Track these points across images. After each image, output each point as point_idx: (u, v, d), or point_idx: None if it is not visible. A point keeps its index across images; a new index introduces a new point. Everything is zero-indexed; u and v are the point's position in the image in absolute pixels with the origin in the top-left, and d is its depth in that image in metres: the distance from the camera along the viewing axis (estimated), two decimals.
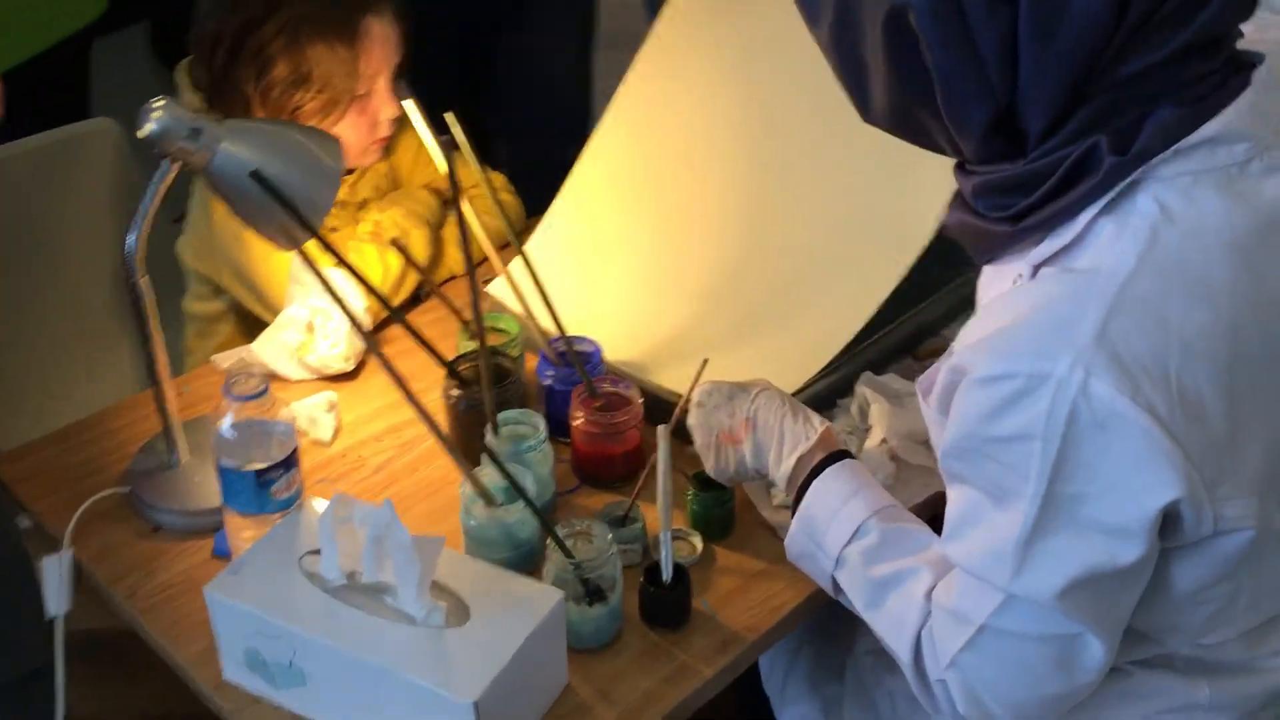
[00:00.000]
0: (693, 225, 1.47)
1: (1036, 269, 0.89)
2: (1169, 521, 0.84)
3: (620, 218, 1.51)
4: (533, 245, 1.48)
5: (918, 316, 1.42)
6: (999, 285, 0.94)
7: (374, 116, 1.48)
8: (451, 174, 1.15)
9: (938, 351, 1.43)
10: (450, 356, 1.29)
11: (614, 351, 1.35)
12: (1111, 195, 0.83)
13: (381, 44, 1.44)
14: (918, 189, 1.34)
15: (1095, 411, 0.79)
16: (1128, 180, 0.82)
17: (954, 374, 0.89)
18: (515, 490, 1.07)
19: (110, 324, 1.77)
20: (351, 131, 1.46)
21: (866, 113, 0.92)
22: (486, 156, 2.32)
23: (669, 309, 1.42)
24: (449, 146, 1.16)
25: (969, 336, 0.90)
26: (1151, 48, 0.79)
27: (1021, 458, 0.82)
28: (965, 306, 1.49)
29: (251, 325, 1.59)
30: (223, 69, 1.40)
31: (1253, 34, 0.92)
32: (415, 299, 1.55)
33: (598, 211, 1.52)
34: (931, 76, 0.83)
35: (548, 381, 1.31)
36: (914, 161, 1.32)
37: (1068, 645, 0.87)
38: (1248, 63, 0.85)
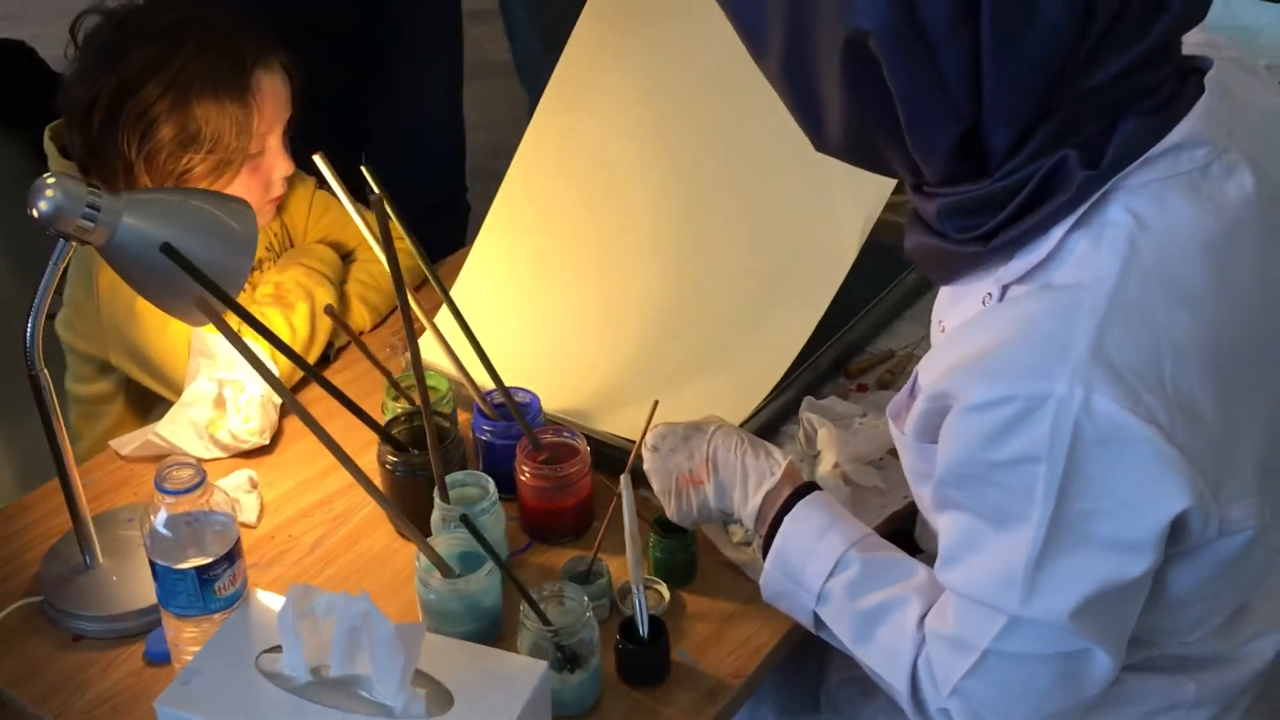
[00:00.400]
0: (618, 265, 1.43)
1: (1006, 288, 0.88)
2: (1177, 529, 0.84)
3: (541, 262, 1.47)
4: (454, 296, 1.42)
5: (847, 335, 1.42)
6: (963, 307, 0.93)
7: (267, 176, 1.41)
8: (385, 233, 1.09)
9: (868, 368, 1.44)
10: (373, 418, 1.23)
11: (550, 401, 1.30)
12: (1083, 209, 0.83)
13: (273, 100, 1.36)
14: (836, 210, 1.34)
15: (1100, 428, 0.79)
16: (1100, 192, 0.82)
17: (935, 400, 0.88)
18: (492, 559, 1.01)
19: None
20: (244, 192, 1.38)
21: (821, 143, 0.90)
22: (361, 200, 2.25)
23: (601, 353, 1.39)
24: (380, 203, 1.09)
25: (941, 361, 0.89)
26: (1113, 58, 0.79)
27: (1026, 481, 0.81)
28: (888, 321, 1.50)
29: (144, 404, 1.49)
30: (100, 133, 1.30)
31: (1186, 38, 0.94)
32: (324, 359, 1.47)
33: (518, 256, 1.47)
34: (893, 102, 0.82)
35: (485, 437, 1.26)
36: (830, 182, 1.34)
37: (1075, 661, 0.87)
38: (1196, 68, 0.86)
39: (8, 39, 2.23)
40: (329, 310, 1.17)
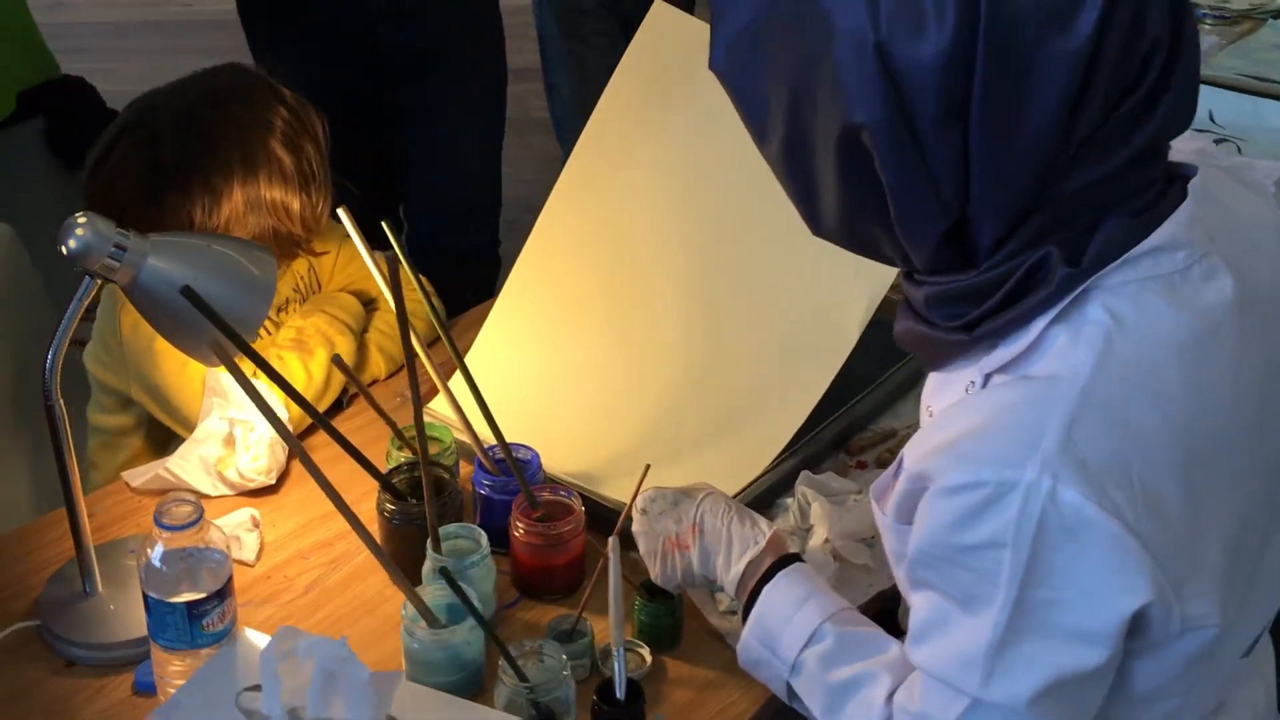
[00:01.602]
0: (630, 335, 1.46)
1: (988, 377, 0.90)
2: (1138, 623, 0.84)
3: (558, 327, 1.50)
4: (472, 355, 1.46)
5: (849, 413, 1.44)
6: (949, 393, 0.95)
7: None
8: (395, 285, 1.12)
9: (868, 446, 1.45)
10: (378, 466, 1.26)
11: (554, 463, 1.33)
12: (1063, 304, 0.84)
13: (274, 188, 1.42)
14: (842, 289, 1.36)
15: (1064, 518, 0.80)
16: (1079, 289, 0.84)
17: (915, 482, 0.90)
18: (471, 614, 1.03)
19: (4, 443, 1.68)
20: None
21: (817, 227, 0.93)
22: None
23: (609, 420, 1.41)
24: (393, 261, 1.13)
25: (924, 444, 0.91)
26: (1096, 163, 0.81)
27: (992, 565, 0.83)
28: (892, 401, 1.51)
29: (162, 439, 1.53)
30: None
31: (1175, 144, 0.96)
32: (337, 405, 1.50)
33: (536, 318, 1.51)
34: (884, 192, 0.84)
35: (484, 491, 1.28)
36: (838, 261, 1.36)
37: None
38: (1181, 175, 0.88)
39: (69, 75, 2.31)
40: (337, 361, 1.21)
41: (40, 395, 1.10)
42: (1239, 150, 2.13)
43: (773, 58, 0.86)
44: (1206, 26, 2.63)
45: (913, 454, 0.93)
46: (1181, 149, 0.98)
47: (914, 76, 0.79)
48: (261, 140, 1.40)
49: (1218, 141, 2.15)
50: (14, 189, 2.03)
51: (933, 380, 1.01)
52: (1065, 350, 0.84)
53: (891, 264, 0.94)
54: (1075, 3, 0.77)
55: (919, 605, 0.91)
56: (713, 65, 0.91)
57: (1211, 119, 2.26)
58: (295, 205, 1.42)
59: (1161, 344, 0.84)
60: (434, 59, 2.12)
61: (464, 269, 2.27)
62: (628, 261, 1.48)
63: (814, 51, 0.83)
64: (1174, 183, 0.87)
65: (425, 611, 1.09)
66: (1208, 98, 2.28)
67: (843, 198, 0.87)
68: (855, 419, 1.46)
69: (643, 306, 1.47)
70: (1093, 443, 0.81)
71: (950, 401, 0.94)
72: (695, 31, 1.46)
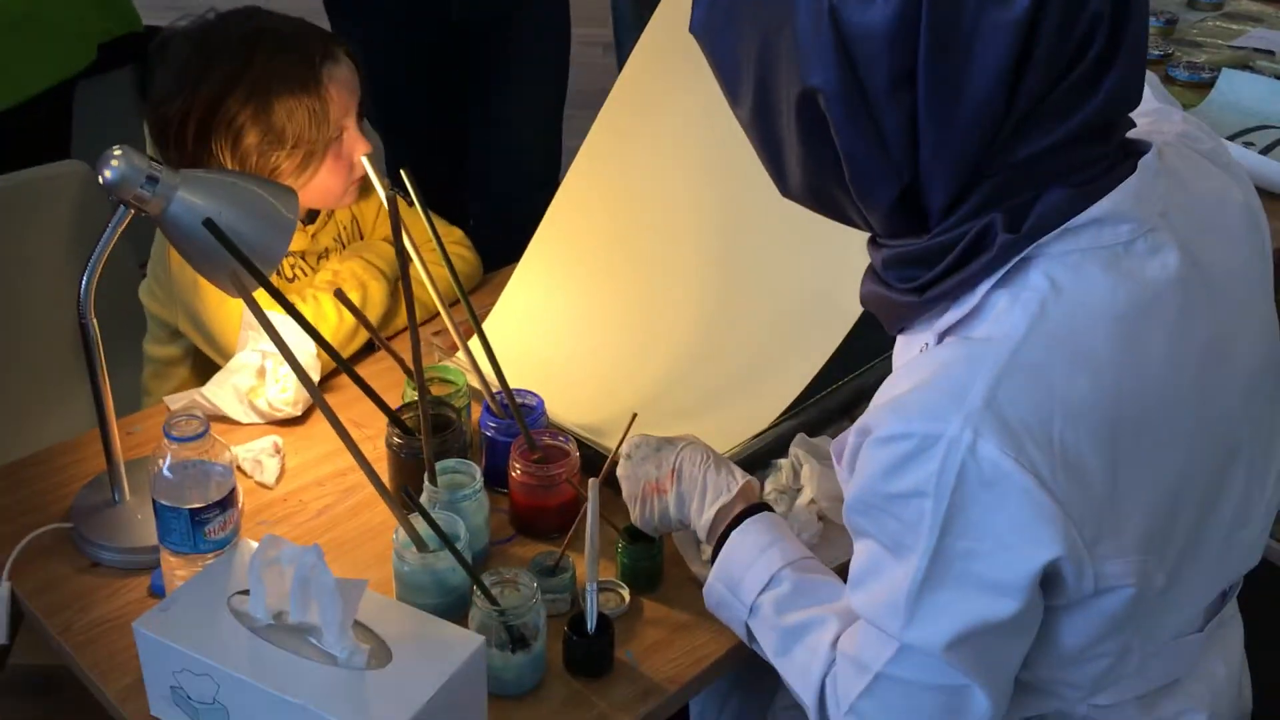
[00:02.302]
0: (646, 296, 1.52)
1: (941, 337, 0.93)
2: (1052, 579, 0.87)
3: (577, 285, 1.56)
4: (499, 308, 1.54)
5: (855, 381, 1.47)
6: (909, 353, 0.99)
7: (349, 158, 1.51)
8: (394, 219, 1.19)
9: None
10: (396, 406, 1.33)
11: (563, 412, 1.39)
12: (1006, 269, 0.87)
13: (342, 88, 1.48)
14: (847, 273, 1.39)
15: (983, 471, 0.83)
16: (1020, 256, 0.86)
17: (860, 434, 0.93)
18: (438, 537, 1.10)
19: (71, 364, 1.80)
20: (331, 177, 1.50)
21: (785, 188, 0.97)
22: (461, 213, 2.37)
23: (618, 378, 1.47)
24: (393, 197, 1.20)
25: (876, 400, 0.94)
26: (1042, 133, 0.84)
27: (915, 513, 0.86)
28: None
29: (208, 370, 1.62)
30: (194, 146, 1.43)
31: (1149, 125, 0.98)
32: (370, 347, 1.58)
33: (558, 277, 1.57)
34: (840, 156, 0.88)
35: (489, 433, 1.35)
36: (847, 246, 1.40)
37: (955, 696, 0.90)
38: (1137, 150, 0.90)
39: (158, 27, 2.42)
40: (338, 294, 1.27)
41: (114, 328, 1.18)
42: None
43: (743, 23, 0.90)
44: None
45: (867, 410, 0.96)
46: (1165, 131, 0.99)
47: (864, 43, 0.82)
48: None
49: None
50: (101, 133, 2.15)
51: (899, 342, 1.04)
52: (1003, 313, 0.87)
53: (856, 227, 0.97)
54: None
55: (858, 552, 0.95)
56: (692, 28, 0.95)
57: None
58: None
59: (1095, 313, 0.86)
60: (500, 27, 2.18)
61: (525, 234, 2.34)
62: (646, 226, 1.53)
63: (778, 17, 0.86)
64: (1128, 159, 0.89)
65: (415, 536, 1.16)
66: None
67: (805, 160, 0.91)
68: (862, 388, 1.48)
69: (659, 271, 1.52)
70: (1015, 402, 0.84)
71: (907, 361, 0.97)
72: None
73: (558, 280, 1.58)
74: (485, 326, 1.38)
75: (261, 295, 1.17)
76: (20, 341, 1.77)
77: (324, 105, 1.46)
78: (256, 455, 1.37)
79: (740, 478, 1.14)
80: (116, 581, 1.23)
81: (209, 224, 1.14)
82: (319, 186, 1.50)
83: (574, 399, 1.43)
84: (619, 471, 1.20)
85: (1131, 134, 0.91)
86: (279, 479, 1.37)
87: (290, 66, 1.43)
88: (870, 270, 0.99)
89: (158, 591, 1.21)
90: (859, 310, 1.37)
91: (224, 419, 1.44)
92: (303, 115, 1.45)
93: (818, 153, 0.89)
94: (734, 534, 1.10)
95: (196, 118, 1.42)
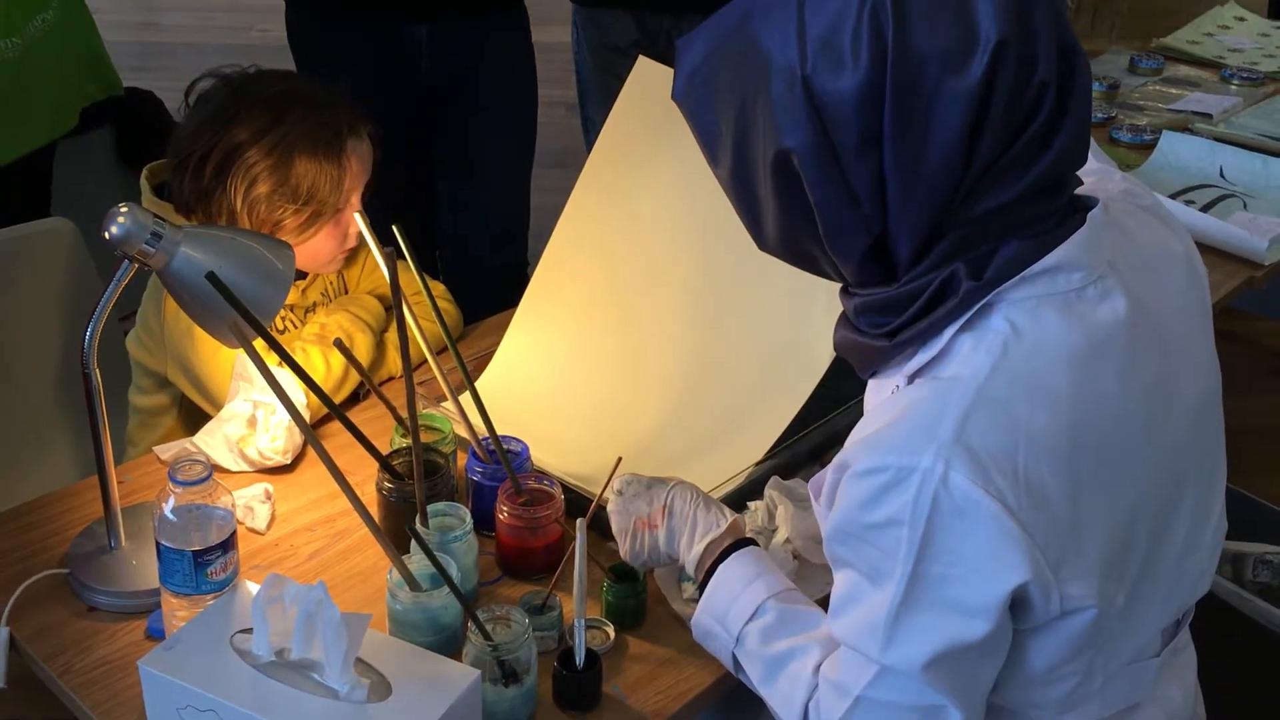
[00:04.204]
0: (635, 350, 1.59)
1: (911, 378, 1.00)
2: (1021, 604, 0.94)
3: (566, 342, 1.64)
4: (492, 366, 1.63)
5: (825, 426, 1.53)
6: (881, 395, 1.05)
7: (346, 228, 1.58)
8: (393, 279, 1.25)
9: None
10: (385, 452, 1.38)
11: (549, 462, 1.45)
12: (969, 315, 0.95)
13: (360, 162, 1.56)
14: (817, 327, 1.48)
15: (954, 500, 0.90)
16: (983, 302, 0.94)
17: (838, 470, 1.00)
18: (439, 574, 1.14)
19: (54, 415, 1.83)
20: (327, 241, 1.57)
21: (762, 243, 1.04)
22: (429, 264, 2.43)
23: (606, 432, 1.54)
24: (392, 256, 1.26)
25: (851, 439, 1.01)
26: (1000, 189, 0.92)
27: (892, 541, 0.92)
28: None
29: (193, 419, 1.66)
30: (210, 182, 1.49)
31: (1093, 184, 1.06)
32: (355, 398, 1.63)
33: (546, 335, 1.65)
34: (814, 211, 0.95)
35: (476, 477, 1.40)
36: (813, 301, 1.48)
37: (933, 716, 0.96)
38: (1085, 205, 0.98)
39: (136, 88, 2.49)
40: (337, 343, 1.33)
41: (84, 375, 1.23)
42: (1244, 206, 2.20)
43: (722, 91, 0.97)
44: (1233, 86, 2.71)
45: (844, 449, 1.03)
46: (1109, 189, 1.08)
47: (835, 108, 0.90)
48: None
49: (1224, 197, 2.22)
50: (81, 189, 2.20)
51: (871, 385, 1.11)
52: (968, 355, 0.94)
53: (829, 278, 1.04)
54: (969, 49, 0.87)
55: (837, 582, 1.01)
56: (674, 96, 1.03)
57: (1222, 174, 2.33)
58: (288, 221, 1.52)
59: (1052, 353, 0.93)
60: (469, 86, 2.25)
61: (492, 284, 2.40)
62: (630, 282, 1.61)
63: (755, 85, 0.94)
64: (1077, 213, 0.97)
65: (408, 576, 1.21)
66: (1220, 154, 2.35)
67: (780, 216, 0.98)
68: (832, 433, 1.55)
69: (643, 328, 1.60)
70: (982, 435, 0.90)
71: (879, 401, 1.04)
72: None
73: (545, 340, 1.65)
74: (480, 383, 1.44)
75: (258, 345, 1.22)
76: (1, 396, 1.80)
77: (341, 173, 1.53)
78: (248, 502, 1.41)
79: (729, 515, 1.20)
80: (114, 625, 1.26)
81: (211, 277, 1.19)
82: (312, 249, 1.56)
83: (563, 452, 1.50)
84: (610, 507, 1.26)
85: (1078, 191, 0.99)
86: (270, 525, 1.41)
87: (318, 130, 1.50)
88: (843, 318, 1.06)
89: (155, 634, 1.24)
90: (829, 358, 1.46)
91: (215, 467, 1.47)
92: (319, 177, 1.51)
93: (792, 208, 0.96)
94: (721, 568, 1.15)
95: (219, 156, 1.48)
